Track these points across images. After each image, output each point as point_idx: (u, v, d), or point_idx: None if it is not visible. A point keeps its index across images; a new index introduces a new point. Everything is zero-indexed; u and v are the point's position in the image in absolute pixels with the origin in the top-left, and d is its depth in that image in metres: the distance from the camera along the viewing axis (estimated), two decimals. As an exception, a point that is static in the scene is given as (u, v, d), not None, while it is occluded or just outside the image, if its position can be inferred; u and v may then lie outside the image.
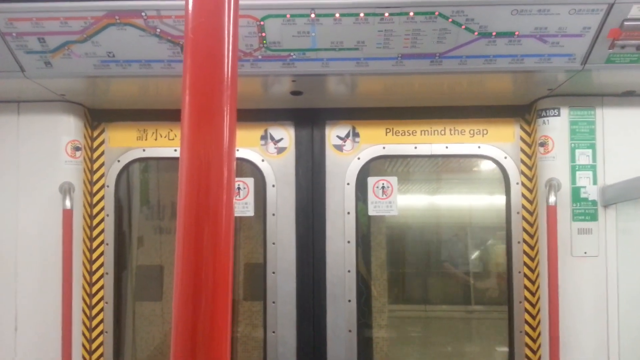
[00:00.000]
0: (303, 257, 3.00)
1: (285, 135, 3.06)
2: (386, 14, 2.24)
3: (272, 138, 3.05)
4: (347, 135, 3.05)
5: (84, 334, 2.93)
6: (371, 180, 3.04)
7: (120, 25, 2.27)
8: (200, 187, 0.70)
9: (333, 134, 3.05)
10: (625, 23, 2.28)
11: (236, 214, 3.05)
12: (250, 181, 3.05)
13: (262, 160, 3.04)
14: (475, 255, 4.77)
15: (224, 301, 0.68)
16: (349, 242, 2.99)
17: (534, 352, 2.88)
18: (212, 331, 0.65)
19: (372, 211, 3.04)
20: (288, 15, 2.24)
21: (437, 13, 2.25)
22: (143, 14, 2.23)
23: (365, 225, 3.57)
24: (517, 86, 2.76)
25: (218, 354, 0.66)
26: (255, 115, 3.03)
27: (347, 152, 3.05)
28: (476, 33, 2.32)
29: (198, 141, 0.72)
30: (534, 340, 2.89)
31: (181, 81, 0.81)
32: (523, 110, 3.01)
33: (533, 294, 2.90)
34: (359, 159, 3.04)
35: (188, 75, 0.73)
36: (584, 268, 2.77)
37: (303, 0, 2.22)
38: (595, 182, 2.82)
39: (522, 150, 3.00)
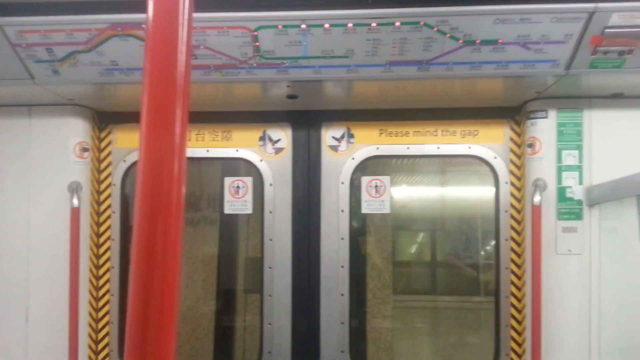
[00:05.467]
0: (299, 252, 3.13)
1: (283, 136, 3.18)
2: (373, 24, 2.35)
3: (270, 139, 3.18)
4: (342, 136, 3.16)
5: (90, 325, 3.09)
6: (365, 180, 3.15)
7: (122, 36, 2.40)
8: (155, 181, 0.79)
9: (329, 135, 3.17)
10: (606, 30, 2.34)
11: (235, 212, 3.19)
12: (249, 180, 3.19)
13: (261, 160, 3.17)
14: (468, 248, 4.83)
15: (171, 294, 0.79)
16: (342, 238, 3.12)
17: (519, 345, 3.00)
18: (160, 320, 0.77)
19: (365, 209, 3.15)
20: (280, 26, 2.36)
21: (422, 23, 2.34)
22: (144, 25, 2.36)
23: (360, 222, 3.68)
24: (506, 89, 2.82)
25: (166, 341, 0.78)
26: (254, 117, 3.16)
27: (342, 152, 3.16)
28: (461, 41, 2.41)
29: (154, 139, 0.80)
30: (520, 334, 3.00)
31: None
32: (513, 112, 3.08)
33: (519, 290, 3.01)
34: (353, 159, 3.15)
35: (148, 78, 0.82)
36: (568, 265, 2.87)
37: (294, 12, 2.33)
38: (581, 183, 2.89)
39: (512, 151, 3.07)
